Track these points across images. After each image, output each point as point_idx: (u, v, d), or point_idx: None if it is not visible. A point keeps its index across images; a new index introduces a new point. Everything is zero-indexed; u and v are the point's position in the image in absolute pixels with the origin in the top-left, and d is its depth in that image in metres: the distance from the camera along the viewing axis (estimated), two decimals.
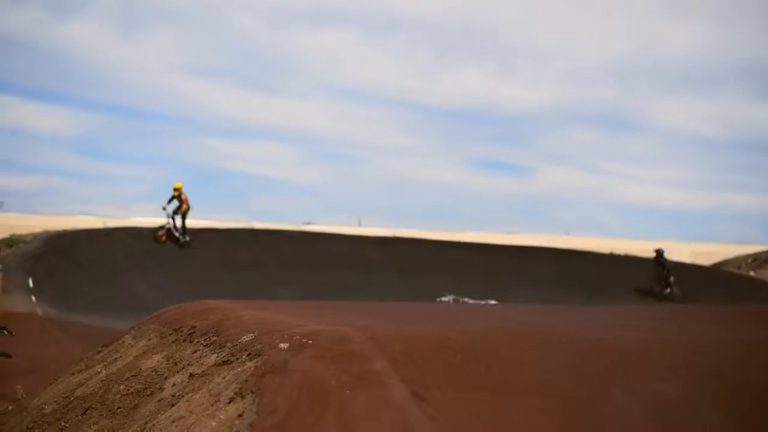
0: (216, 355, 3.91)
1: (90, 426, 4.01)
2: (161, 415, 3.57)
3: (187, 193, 21.63)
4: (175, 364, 4.19)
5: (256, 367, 3.37)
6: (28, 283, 15.23)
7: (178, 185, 21.51)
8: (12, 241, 18.39)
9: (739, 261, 28.72)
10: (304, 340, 3.53)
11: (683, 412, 3.34)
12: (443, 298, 19.44)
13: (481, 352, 3.60)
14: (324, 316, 4.76)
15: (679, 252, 29.62)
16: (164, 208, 21.36)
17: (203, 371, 3.78)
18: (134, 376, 4.36)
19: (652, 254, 24.00)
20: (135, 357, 4.81)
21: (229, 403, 3.18)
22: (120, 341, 5.58)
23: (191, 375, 3.83)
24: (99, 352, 5.71)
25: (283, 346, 3.48)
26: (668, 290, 22.92)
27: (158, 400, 3.78)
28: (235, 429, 2.94)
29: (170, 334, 4.86)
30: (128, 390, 4.15)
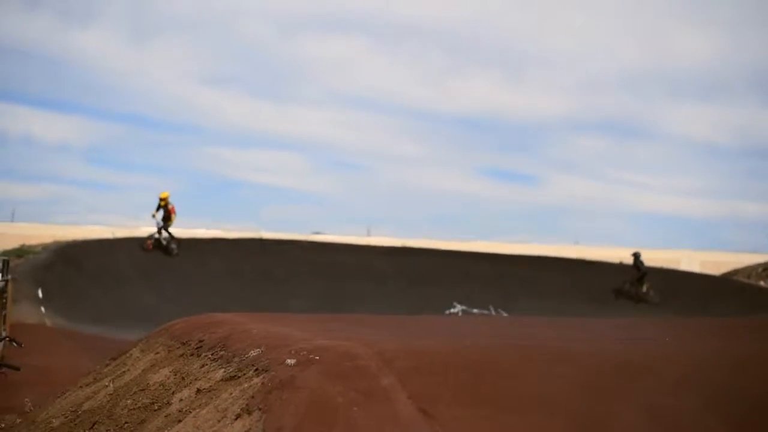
0: (223, 370, 3.91)
1: None
2: (168, 430, 3.56)
3: (174, 202, 21.63)
4: (183, 378, 4.19)
5: (263, 383, 3.36)
6: (37, 294, 15.29)
7: (164, 194, 21.50)
8: (22, 252, 18.48)
9: (749, 270, 28.47)
10: (311, 356, 3.53)
11: (692, 428, 3.31)
12: (452, 310, 19.40)
13: (488, 367, 3.59)
14: (331, 330, 4.75)
15: (689, 261, 29.40)
16: (153, 216, 21.44)
17: (210, 386, 3.77)
18: (142, 390, 4.36)
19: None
20: (143, 371, 4.81)
21: (236, 419, 3.17)
22: (128, 354, 5.58)
23: (198, 390, 3.82)
24: (107, 365, 5.72)
25: (290, 362, 3.48)
26: (644, 292, 23.36)
27: (165, 416, 3.77)
28: None
29: (178, 348, 4.86)
30: (136, 404, 4.14)
